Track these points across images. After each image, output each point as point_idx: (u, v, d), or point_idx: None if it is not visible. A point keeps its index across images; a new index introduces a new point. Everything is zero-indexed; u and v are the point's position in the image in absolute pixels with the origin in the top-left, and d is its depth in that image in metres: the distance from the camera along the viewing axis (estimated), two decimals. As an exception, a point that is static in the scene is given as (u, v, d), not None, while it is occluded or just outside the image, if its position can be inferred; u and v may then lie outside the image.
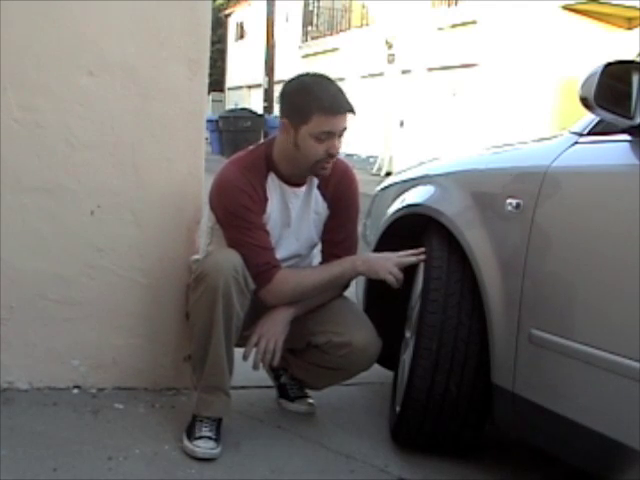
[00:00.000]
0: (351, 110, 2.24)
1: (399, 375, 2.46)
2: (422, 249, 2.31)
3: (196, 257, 2.47)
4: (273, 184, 2.33)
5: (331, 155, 2.25)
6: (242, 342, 2.32)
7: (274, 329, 2.31)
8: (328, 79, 2.30)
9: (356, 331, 2.33)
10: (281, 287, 2.29)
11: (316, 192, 2.39)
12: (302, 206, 2.38)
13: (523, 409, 1.99)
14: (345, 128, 2.25)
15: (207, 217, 2.42)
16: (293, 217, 2.36)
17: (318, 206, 2.41)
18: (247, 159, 2.34)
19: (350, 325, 2.35)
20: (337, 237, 2.42)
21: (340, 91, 2.26)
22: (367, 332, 2.35)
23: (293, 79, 2.34)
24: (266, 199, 2.31)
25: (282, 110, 2.30)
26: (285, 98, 2.30)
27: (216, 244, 2.37)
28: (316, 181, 2.38)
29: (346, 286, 2.48)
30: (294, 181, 2.35)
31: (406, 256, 2.34)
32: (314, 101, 2.20)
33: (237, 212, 2.26)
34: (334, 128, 2.22)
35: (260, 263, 2.25)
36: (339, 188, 2.41)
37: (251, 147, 2.41)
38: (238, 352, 2.30)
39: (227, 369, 2.23)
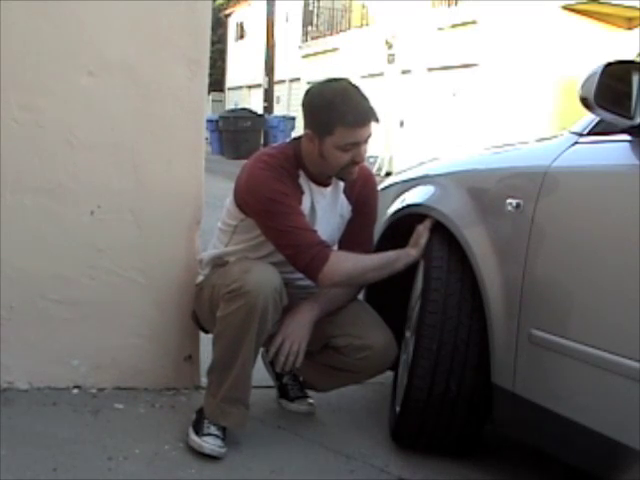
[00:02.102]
0: (375, 119, 2.22)
1: (399, 375, 2.46)
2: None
3: (210, 253, 2.43)
4: (303, 181, 2.31)
5: (357, 163, 2.25)
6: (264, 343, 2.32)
7: (299, 331, 2.29)
8: (351, 85, 2.25)
9: (376, 334, 2.33)
10: (341, 265, 2.23)
11: (342, 196, 2.39)
12: (328, 207, 2.36)
13: (523, 409, 1.99)
14: (370, 135, 2.23)
15: (229, 215, 2.37)
16: (318, 217, 2.34)
17: (343, 209, 2.40)
18: (278, 155, 2.30)
19: (370, 329, 2.34)
20: (357, 239, 2.41)
21: (363, 99, 2.23)
22: (386, 336, 2.34)
23: (314, 89, 2.29)
24: (302, 191, 2.29)
25: (305, 121, 2.27)
26: (307, 110, 2.26)
27: (235, 242, 2.35)
28: (342, 184, 2.38)
29: (360, 289, 2.48)
30: (321, 181, 2.34)
31: (417, 237, 2.32)
32: (337, 115, 2.17)
33: (277, 198, 2.21)
34: (359, 139, 2.21)
35: (313, 244, 2.20)
36: (363, 192, 2.42)
37: (275, 145, 2.39)
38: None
39: (250, 382, 2.24)
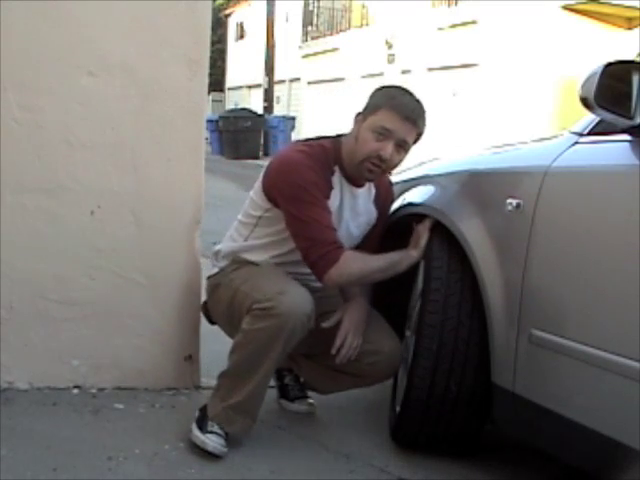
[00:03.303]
0: (418, 125, 2.24)
1: (399, 375, 2.46)
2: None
3: (228, 245, 2.40)
4: (337, 177, 2.30)
5: (380, 157, 2.22)
6: None
7: (360, 326, 2.30)
8: (414, 96, 2.28)
9: (386, 340, 2.33)
10: (349, 267, 2.22)
11: (372, 204, 2.41)
12: (357, 209, 2.36)
13: (523, 409, 1.99)
14: (406, 141, 2.23)
15: (254, 206, 2.34)
16: (344, 217, 2.33)
17: (371, 216, 2.42)
18: (315, 146, 2.30)
19: (380, 334, 2.34)
20: (372, 243, 2.42)
21: (419, 104, 2.26)
22: (395, 342, 2.35)
23: (386, 85, 2.38)
24: (331, 187, 2.28)
25: (363, 107, 2.31)
26: (370, 96, 2.32)
27: (256, 236, 2.33)
28: (374, 191, 2.40)
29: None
30: (354, 181, 2.33)
31: (417, 237, 2.33)
32: (389, 98, 2.24)
33: (306, 186, 2.20)
34: (394, 128, 2.20)
35: (328, 241, 2.20)
36: (386, 201, 2.47)
37: (314, 138, 2.39)
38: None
39: (263, 399, 2.25)
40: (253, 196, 2.36)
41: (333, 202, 2.28)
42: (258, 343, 2.14)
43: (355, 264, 2.24)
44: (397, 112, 2.20)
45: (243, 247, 2.36)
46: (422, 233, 2.31)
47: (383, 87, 2.35)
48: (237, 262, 2.35)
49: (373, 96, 2.30)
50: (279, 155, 2.33)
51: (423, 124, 2.26)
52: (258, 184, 2.34)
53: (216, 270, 2.41)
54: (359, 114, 2.30)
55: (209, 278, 2.44)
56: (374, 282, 2.36)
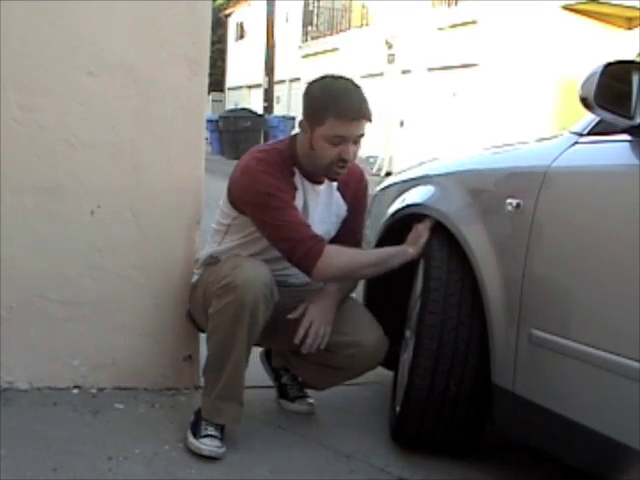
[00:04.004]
0: (367, 118, 2.22)
1: (399, 375, 2.46)
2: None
3: (204, 252, 2.43)
4: (298, 178, 2.31)
5: (343, 160, 2.23)
6: (259, 342, 2.33)
7: (325, 315, 2.29)
8: (352, 83, 2.27)
9: (363, 331, 2.33)
10: (337, 258, 2.23)
11: (337, 194, 2.40)
12: (321, 206, 2.37)
13: (523, 409, 1.99)
14: (361, 135, 2.23)
15: (222, 215, 2.38)
16: (311, 215, 2.34)
17: (339, 209, 2.41)
18: (271, 152, 2.31)
19: (358, 325, 2.34)
20: (350, 238, 2.42)
21: (360, 97, 2.23)
22: (374, 332, 2.34)
23: (316, 80, 2.31)
24: (295, 188, 2.29)
25: (303, 110, 2.29)
26: (305, 99, 2.29)
27: (229, 243, 2.35)
28: (335, 183, 2.38)
29: (353, 287, 2.49)
30: (314, 178, 2.34)
31: (417, 236, 2.32)
32: (330, 104, 2.19)
33: (271, 191, 2.21)
34: (347, 133, 2.20)
35: (307, 238, 2.20)
36: (358, 192, 2.44)
37: (271, 141, 2.40)
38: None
39: (244, 379, 2.24)
40: (222, 205, 2.38)
41: (298, 203, 2.30)
42: (225, 322, 2.15)
43: (341, 257, 2.25)
44: (345, 117, 2.19)
45: (218, 251, 2.38)
46: (422, 232, 2.31)
47: (320, 84, 2.27)
48: (212, 264, 2.37)
49: (314, 102, 2.24)
50: (239, 166, 2.32)
51: (370, 111, 2.25)
52: (224, 195, 2.36)
53: (196, 277, 2.45)
54: (303, 121, 2.26)
55: (191, 286, 2.47)
56: (367, 277, 2.35)
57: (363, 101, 2.23)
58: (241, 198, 2.28)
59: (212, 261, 2.38)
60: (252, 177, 2.24)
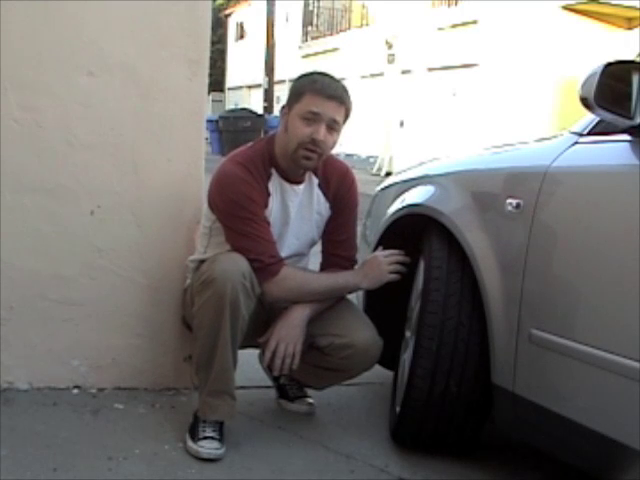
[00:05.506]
0: (344, 102, 2.25)
1: (399, 375, 2.46)
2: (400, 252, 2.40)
3: (192, 258, 2.45)
4: (274, 180, 2.32)
5: (314, 141, 2.23)
6: (247, 344, 2.32)
7: (292, 332, 2.29)
8: (333, 77, 2.31)
9: (357, 332, 2.33)
10: (288, 282, 2.27)
11: (318, 192, 2.40)
12: (302, 205, 2.38)
13: (523, 409, 1.99)
14: (335, 120, 2.24)
15: (205, 218, 2.41)
16: (292, 216, 2.36)
17: (320, 207, 2.41)
18: (248, 153, 2.33)
19: (351, 327, 2.34)
20: (339, 237, 2.43)
21: (340, 85, 2.28)
22: (368, 333, 2.35)
23: (304, 73, 2.37)
24: (268, 193, 2.30)
25: (286, 100, 2.32)
26: (290, 87, 2.33)
27: (214, 246, 2.35)
28: (316, 180, 2.38)
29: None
30: (293, 178, 2.34)
31: (391, 255, 2.39)
32: (309, 84, 2.25)
33: (240, 202, 2.23)
34: (322, 110, 2.21)
35: (266, 255, 2.23)
36: (341, 189, 2.43)
37: (250, 143, 2.40)
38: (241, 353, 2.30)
39: (233, 373, 2.24)
40: (204, 208, 2.40)
41: (273, 208, 2.31)
42: (207, 318, 2.17)
43: (294, 281, 2.29)
44: (321, 94, 2.22)
45: (204, 254, 2.38)
46: (382, 266, 2.36)
47: (301, 76, 2.34)
48: (199, 269, 2.36)
49: (294, 86, 2.31)
50: (218, 169, 2.33)
51: (349, 100, 2.28)
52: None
53: (188, 282, 2.46)
54: (284, 107, 2.32)
55: (184, 291, 2.48)
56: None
57: (342, 88, 2.28)
58: (214, 202, 2.32)
59: (199, 266, 2.38)
60: (225, 182, 2.28)
